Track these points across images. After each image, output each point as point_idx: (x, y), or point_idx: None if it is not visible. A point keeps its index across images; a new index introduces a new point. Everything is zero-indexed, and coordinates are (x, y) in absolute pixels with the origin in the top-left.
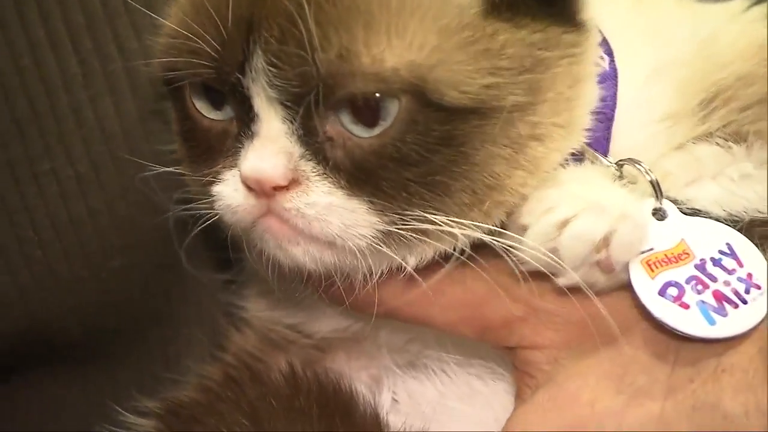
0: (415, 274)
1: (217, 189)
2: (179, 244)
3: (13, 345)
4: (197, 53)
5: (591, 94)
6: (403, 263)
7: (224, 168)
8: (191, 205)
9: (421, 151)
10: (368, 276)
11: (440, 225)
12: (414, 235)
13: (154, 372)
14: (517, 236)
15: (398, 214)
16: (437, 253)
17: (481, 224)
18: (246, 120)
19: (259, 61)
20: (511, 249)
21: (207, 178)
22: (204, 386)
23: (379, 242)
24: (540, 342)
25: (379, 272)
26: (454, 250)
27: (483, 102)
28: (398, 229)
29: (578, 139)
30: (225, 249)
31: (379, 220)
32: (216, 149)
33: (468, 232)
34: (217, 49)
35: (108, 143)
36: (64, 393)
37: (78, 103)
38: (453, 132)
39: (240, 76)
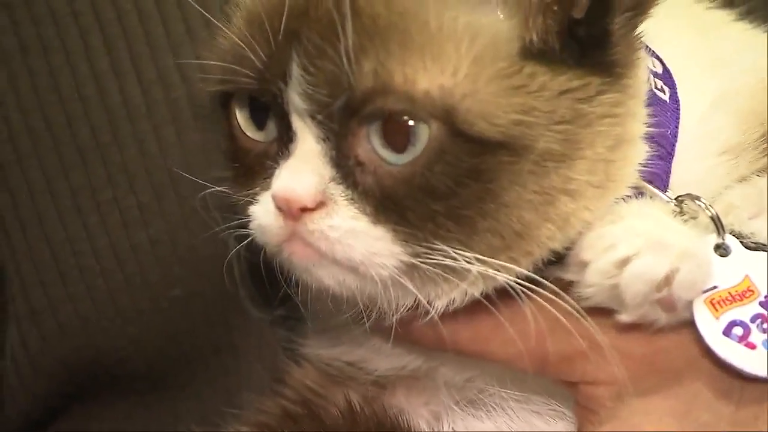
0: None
1: (252, 209)
2: (239, 275)
3: (76, 374)
4: (246, 62)
5: (635, 156)
6: (426, 303)
7: (261, 189)
8: (234, 224)
9: (450, 182)
10: (401, 308)
11: (462, 262)
12: (438, 271)
13: (214, 404)
14: (536, 278)
15: (423, 246)
16: (465, 298)
17: (507, 266)
18: (285, 140)
19: (295, 69)
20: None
21: (246, 199)
22: (261, 422)
23: (402, 274)
24: (602, 378)
25: (406, 306)
26: (482, 294)
27: (513, 138)
28: (422, 262)
29: (615, 197)
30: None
31: (402, 250)
32: (255, 170)
33: (493, 272)
34: (263, 60)
35: (170, 172)
36: (125, 424)
37: (141, 133)
38: (481, 166)
39: (283, 86)
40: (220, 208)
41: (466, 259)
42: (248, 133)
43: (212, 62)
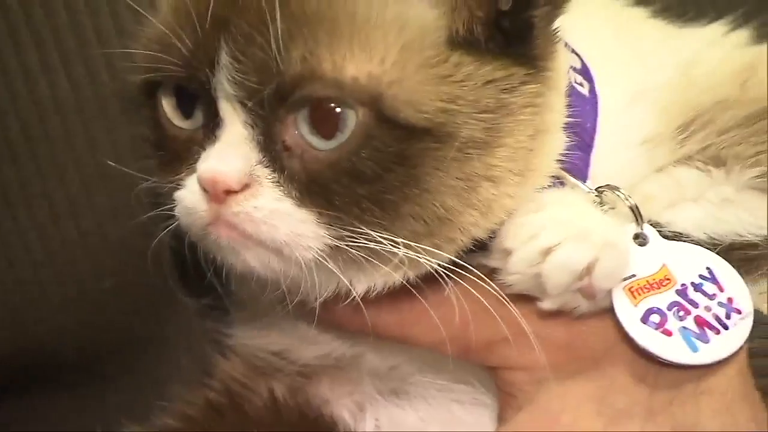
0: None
1: (177, 193)
2: (166, 264)
3: (5, 366)
4: (172, 50)
5: (555, 145)
6: (349, 286)
7: (186, 175)
8: (160, 213)
9: (376, 167)
10: (324, 293)
11: (386, 245)
12: (362, 254)
13: (143, 396)
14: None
15: (347, 230)
16: (388, 284)
17: (431, 251)
18: (211, 126)
19: (224, 56)
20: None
21: (171, 185)
22: (186, 415)
23: (326, 257)
24: (523, 363)
25: (329, 291)
26: (407, 281)
27: (439, 125)
28: (346, 245)
29: (536, 186)
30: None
31: (327, 233)
32: (182, 156)
33: (416, 255)
34: (190, 47)
35: (99, 166)
36: (54, 415)
37: (70, 127)
38: (407, 151)
39: (210, 74)
40: (150, 201)
41: (390, 242)
42: (175, 121)
43: (138, 51)
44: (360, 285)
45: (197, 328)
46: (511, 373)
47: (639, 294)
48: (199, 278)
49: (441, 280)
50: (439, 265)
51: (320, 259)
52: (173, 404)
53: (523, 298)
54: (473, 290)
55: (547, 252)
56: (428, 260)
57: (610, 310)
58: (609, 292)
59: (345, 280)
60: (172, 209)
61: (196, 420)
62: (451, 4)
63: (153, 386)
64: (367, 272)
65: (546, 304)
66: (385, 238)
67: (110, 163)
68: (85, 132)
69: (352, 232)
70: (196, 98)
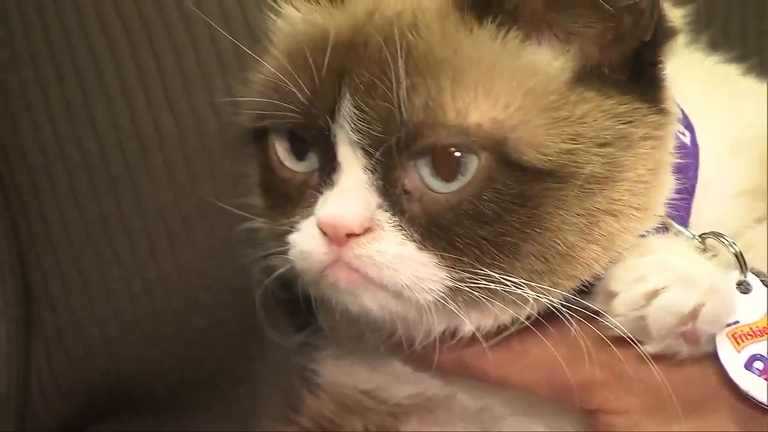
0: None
1: (292, 237)
2: (260, 303)
3: (97, 395)
4: (288, 98)
5: (668, 184)
6: (468, 323)
7: (301, 218)
8: (266, 253)
9: (497, 209)
10: (432, 334)
11: (508, 286)
12: (483, 295)
13: (230, 429)
14: (594, 307)
15: (468, 272)
16: (512, 321)
17: (551, 290)
18: (328, 169)
19: (346, 105)
20: (596, 313)
21: (283, 228)
22: None
23: (447, 298)
24: (621, 407)
25: (444, 331)
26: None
27: (561, 166)
28: (467, 286)
29: (651, 225)
30: (301, 312)
31: (448, 275)
32: (294, 200)
33: (537, 295)
34: (308, 96)
35: (200, 202)
36: None
37: (173, 163)
38: (529, 192)
39: (329, 120)
40: (248, 240)
41: (511, 282)
42: (287, 164)
43: (252, 98)
44: (469, 326)
45: (286, 365)
46: (610, 416)
47: (742, 340)
48: (292, 315)
49: (564, 318)
50: (561, 302)
51: (440, 300)
52: None
53: (623, 343)
54: (570, 333)
55: (653, 295)
56: (548, 300)
57: (711, 357)
58: (712, 338)
59: (465, 320)
60: (278, 251)
61: None
62: (582, 49)
63: (239, 420)
64: (484, 312)
65: (648, 348)
66: (505, 279)
67: (211, 200)
68: (186, 168)
69: (473, 273)
70: (310, 142)
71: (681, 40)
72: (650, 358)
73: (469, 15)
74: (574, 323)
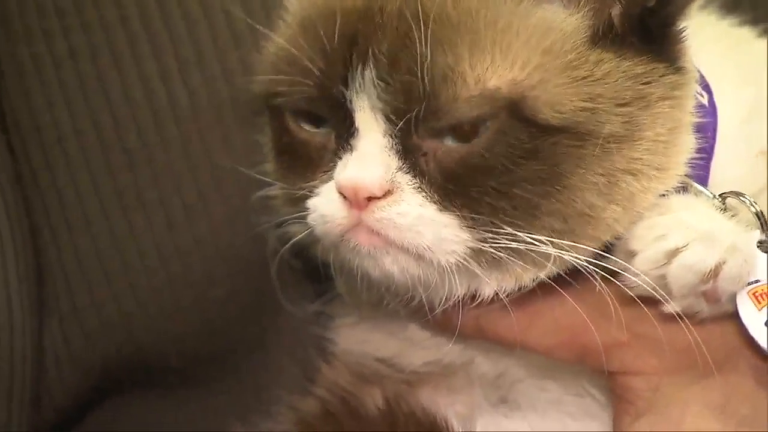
0: (505, 300)
1: (311, 202)
2: (275, 273)
3: (114, 370)
4: (302, 71)
5: (688, 144)
6: (495, 286)
7: (321, 182)
8: (283, 221)
9: (507, 162)
10: (452, 296)
11: (530, 243)
12: (505, 254)
13: (245, 400)
14: (622, 262)
15: (490, 231)
16: (532, 280)
17: (577, 246)
18: (345, 135)
19: (368, 74)
20: (616, 273)
21: (302, 192)
22: (302, 419)
23: (469, 259)
24: (642, 368)
25: (459, 295)
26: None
27: (577, 123)
28: (489, 246)
29: (671, 184)
30: (317, 280)
31: (470, 236)
32: (314, 163)
33: (560, 252)
34: (321, 67)
35: (214, 173)
36: (156, 418)
37: (187, 135)
38: (541, 147)
39: (344, 89)
40: (264, 208)
41: (533, 240)
42: (304, 127)
43: (267, 76)
44: (490, 288)
45: (301, 335)
46: (630, 378)
47: (763, 299)
48: (307, 284)
49: (590, 276)
50: (586, 260)
51: (463, 262)
52: (280, 409)
53: (643, 303)
54: (588, 293)
55: (673, 253)
56: (573, 257)
57: (732, 316)
58: (733, 297)
59: (488, 281)
60: (296, 216)
61: (313, 425)
62: (594, 6)
63: (254, 391)
64: (506, 273)
65: (669, 307)
66: (528, 236)
67: (227, 166)
68: (201, 139)
69: (495, 232)
70: (326, 115)
71: (695, 2)
72: (674, 316)
73: None
74: (598, 280)
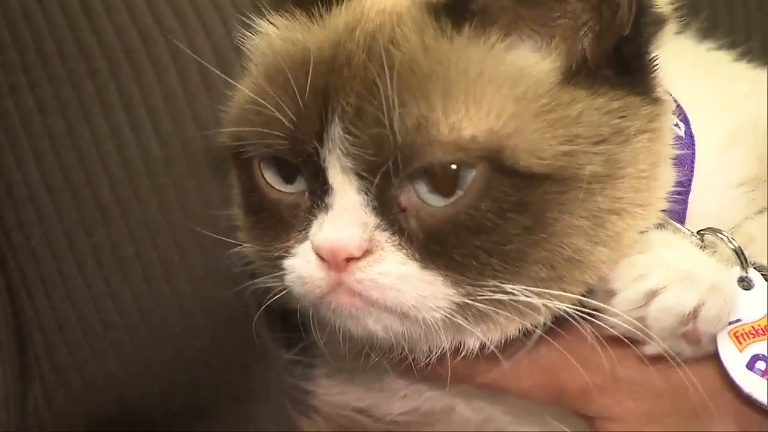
0: (496, 351)
1: (288, 263)
2: (260, 323)
3: (99, 429)
4: (272, 123)
5: (668, 177)
6: (482, 337)
7: (296, 242)
8: (260, 279)
9: (495, 218)
10: (437, 350)
11: (516, 295)
12: (491, 307)
13: None
14: (599, 303)
15: (474, 285)
16: (518, 330)
17: (562, 294)
18: (319, 192)
19: (335, 130)
20: (593, 314)
21: (277, 253)
22: None
23: (454, 314)
24: (620, 413)
25: (449, 346)
26: (536, 327)
27: (560, 169)
28: (474, 300)
29: (653, 221)
30: (294, 328)
31: (455, 291)
32: (286, 222)
33: (548, 302)
34: (293, 120)
35: (191, 224)
36: None
37: (161, 187)
38: (528, 199)
39: (317, 146)
40: (240, 260)
41: (519, 291)
42: (276, 186)
43: (233, 124)
44: (474, 340)
45: (280, 385)
46: (607, 423)
47: (744, 339)
48: (287, 331)
49: (576, 322)
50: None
51: (450, 317)
52: None
53: (621, 344)
54: (564, 336)
55: (653, 294)
56: (559, 305)
57: (712, 357)
58: (714, 338)
59: (476, 332)
60: (273, 276)
61: None
62: (566, 47)
63: None
64: (495, 323)
65: (648, 349)
66: (513, 288)
67: (203, 215)
68: (175, 190)
69: (480, 286)
70: (298, 166)
71: (670, 28)
72: (654, 359)
73: (445, 23)
74: (581, 323)
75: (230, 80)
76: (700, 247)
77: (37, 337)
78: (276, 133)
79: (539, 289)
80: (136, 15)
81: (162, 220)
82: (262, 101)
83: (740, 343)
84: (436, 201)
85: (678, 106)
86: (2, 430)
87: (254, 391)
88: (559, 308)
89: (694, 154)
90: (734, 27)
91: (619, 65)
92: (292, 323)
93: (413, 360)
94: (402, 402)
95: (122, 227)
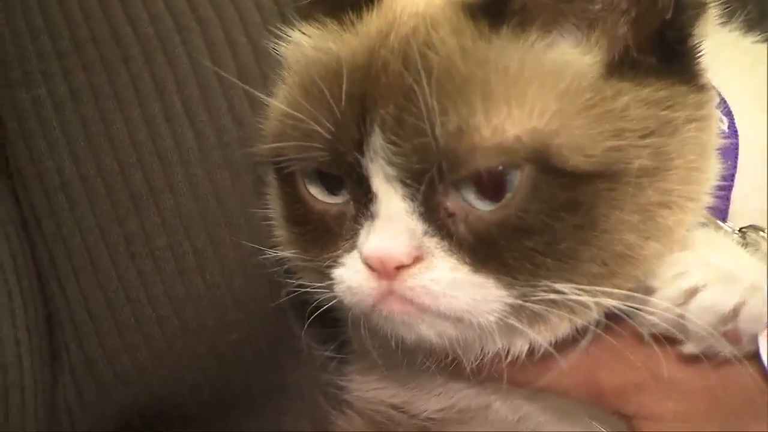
0: (551, 349)
1: (337, 272)
2: (293, 317)
3: (130, 421)
4: (311, 136)
5: (715, 169)
6: (537, 338)
7: (344, 251)
8: (308, 290)
9: (546, 219)
10: (490, 352)
11: (568, 294)
12: (544, 307)
13: None
14: (642, 297)
15: (526, 286)
16: (575, 328)
17: (612, 291)
18: (364, 201)
19: (377, 139)
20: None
21: (326, 263)
22: None
23: (508, 316)
24: (659, 412)
25: (505, 349)
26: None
27: (608, 166)
28: (527, 301)
29: (701, 215)
30: (328, 324)
31: (508, 293)
32: (333, 232)
33: (600, 300)
34: (332, 131)
35: (225, 216)
36: None
37: (195, 177)
38: (578, 198)
39: (358, 156)
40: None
41: (573, 290)
42: (320, 198)
43: (273, 143)
44: (526, 341)
45: (314, 381)
46: (645, 423)
47: None
48: (321, 327)
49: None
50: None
51: (504, 319)
52: None
53: (661, 342)
54: (604, 333)
55: (692, 293)
56: (610, 302)
57: (753, 357)
58: (754, 338)
59: (532, 333)
60: (321, 286)
61: None
62: (607, 39)
63: None
64: (548, 323)
65: (688, 348)
66: (566, 287)
67: (236, 207)
68: (209, 181)
69: (532, 286)
70: (341, 176)
71: (714, 19)
72: (693, 358)
73: (483, 24)
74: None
75: (265, 63)
76: (742, 245)
77: (68, 326)
78: (316, 145)
79: (592, 287)
80: (171, 3)
81: (195, 211)
82: (299, 114)
83: None
84: (485, 205)
85: (722, 99)
86: (31, 419)
87: (287, 386)
88: (611, 304)
89: (737, 148)
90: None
91: (663, 52)
92: (326, 319)
93: (463, 362)
94: (437, 399)
95: (155, 218)
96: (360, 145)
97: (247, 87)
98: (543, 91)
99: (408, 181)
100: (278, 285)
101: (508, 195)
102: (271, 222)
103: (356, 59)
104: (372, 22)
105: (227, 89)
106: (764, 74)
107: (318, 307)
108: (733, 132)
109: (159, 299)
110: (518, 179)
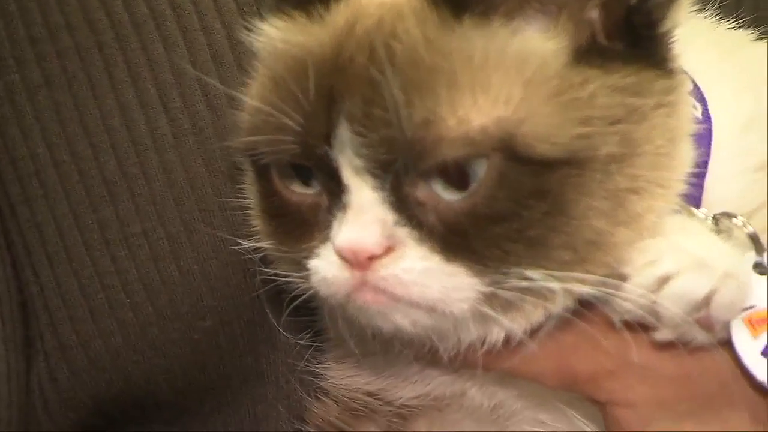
0: (525, 338)
1: (312, 263)
2: (269, 306)
3: (105, 407)
4: (281, 129)
5: (687, 155)
6: (512, 326)
7: (319, 242)
8: (285, 281)
9: (514, 206)
10: (466, 341)
11: (540, 280)
12: (518, 294)
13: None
14: (616, 283)
15: (498, 274)
16: (547, 315)
17: (584, 277)
18: (336, 191)
19: (344, 131)
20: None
21: (302, 254)
22: None
23: (482, 304)
24: (631, 398)
25: (481, 337)
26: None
27: (575, 152)
28: (500, 288)
29: (673, 202)
30: (306, 314)
31: (479, 281)
32: (309, 223)
33: (571, 286)
34: (301, 123)
35: (199, 203)
36: None
37: (169, 163)
38: (546, 185)
39: (327, 148)
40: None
41: (545, 277)
42: (295, 189)
43: (247, 137)
44: (501, 329)
45: (290, 368)
46: (618, 409)
47: (759, 326)
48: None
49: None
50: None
51: (477, 307)
52: None
53: (633, 329)
54: (575, 319)
55: (664, 280)
56: (582, 289)
57: (726, 344)
58: (727, 324)
59: (505, 321)
60: (296, 276)
61: None
62: (573, 25)
63: (252, 422)
64: (521, 311)
65: (660, 335)
66: (537, 273)
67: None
68: (184, 168)
69: (504, 274)
70: (312, 168)
71: (688, 5)
72: (666, 345)
73: (446, 13)
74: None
75: (240, 57)
76: (715, 232)
77: (42, 313)
78: (286, 138)
79: (563, 273)
80: None
81: (169, 198)
82: (269, 108)
83: (755, 329)
84: (452, 195)
85: (695, 86)
86: (4, 405)
87: (263, 372)
88: (582, 290)
89: (710, 135)
90: (759, 3)
91: (631, 37)
92: (302, 308)
93: (440, 351)
94: (413, 386)
95: (129, 204)
96: (329, 137)
97: (210, 81)
98: (508, 79)
99: (376, 172)
100: (253, 273)
101: (474, 184)
102: (248, 212)
103: (323, 52)
104: (339, 14)
105: (202, 74)
106: (738, 61)
107: (295, 297)
108: (706, 118)
109: (133, 285)
110: (484, 168)
